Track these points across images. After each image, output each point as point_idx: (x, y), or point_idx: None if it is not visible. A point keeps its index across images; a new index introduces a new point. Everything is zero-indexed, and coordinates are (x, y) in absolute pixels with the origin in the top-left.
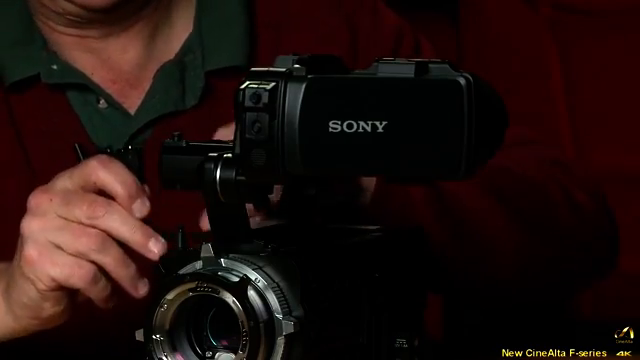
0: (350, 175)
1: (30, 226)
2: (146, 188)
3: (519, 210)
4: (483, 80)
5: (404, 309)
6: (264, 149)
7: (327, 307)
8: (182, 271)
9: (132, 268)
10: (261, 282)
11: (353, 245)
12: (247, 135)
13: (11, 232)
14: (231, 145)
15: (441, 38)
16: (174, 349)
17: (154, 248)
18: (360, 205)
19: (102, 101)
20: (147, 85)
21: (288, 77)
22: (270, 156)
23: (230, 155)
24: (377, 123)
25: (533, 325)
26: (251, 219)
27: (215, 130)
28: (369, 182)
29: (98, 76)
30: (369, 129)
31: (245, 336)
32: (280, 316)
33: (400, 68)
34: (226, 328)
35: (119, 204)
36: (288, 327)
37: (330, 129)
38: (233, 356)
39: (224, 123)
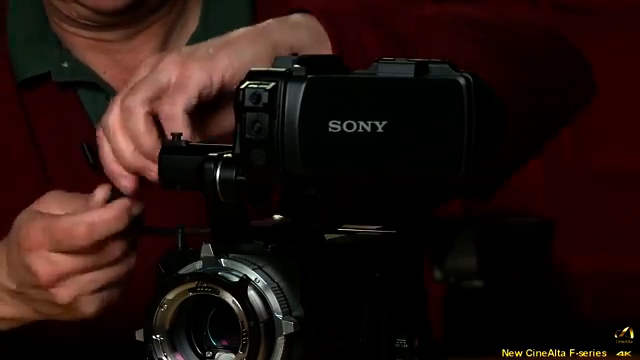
0: (350, 175)
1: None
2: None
3: (496, 40)
4: (482, 80)
5: (404, 309)
6: (264, 149)
7: (327, 307)
8: (182, 271)
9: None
10: (261, 282)
11: (353, 245)
12: (247, 135)
13: None
14: (229, 146)
15: None
16: (174, 349)
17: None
18: None
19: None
20: None
21: (288, 77)
22: (270, 156)
23: (230, 155)
24: (377, 123)
25: (533, 325)
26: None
27: None
28: None
29: (109, 75)
30: (369, 129)
31: (245, 336)
32: (280, 316)
33: (400, 68)
34: (226, 328)
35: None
36: (288, 327)
37: (330, 129)
38: (233, 356)
39: None
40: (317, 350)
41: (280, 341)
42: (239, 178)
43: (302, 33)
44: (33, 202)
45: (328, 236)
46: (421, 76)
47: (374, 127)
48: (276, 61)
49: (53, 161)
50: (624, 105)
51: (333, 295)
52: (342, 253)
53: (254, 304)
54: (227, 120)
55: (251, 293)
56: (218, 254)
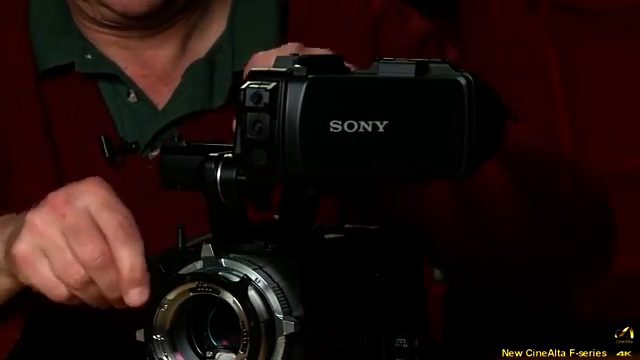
0: (351, 175)
1: (34, 221)
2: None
3: (527, 186)
4: (482, 79)
5: (404, 309)
6: (265, 149)
7: (327, 307)
8: (182, 271)
9: (116, 295)
10: (261, 282)
11: (353, 245)
12: (248, 135)
13: None
14: (229, 145)
15: None
16: (174, 349)
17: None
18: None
19: (132, 95)
20: (177, 82)
21: (289, 77)
22: (271, 156)
23: (230, 155)
24: (378, 123)
25: (533, 325)
26: None
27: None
28: None
29: (131, 70)
30: (370, 129)
31: (246, 336)
32: (280, 316)
33: (401, 68)
34: (226, 328)
35: (121, 280)
36: (289, 327)
37: (331, 129)
38: (234, 356)
39: None
40: (317, 350)
41: (281, 341)
42: (240, 178)
43: None
44: (44, 195)
45: (328, 236)
46: (422, 76)
47: (375, 127)
48: (277, 61)
49: (69, 153)
50: (624, 105)
51: (333, 295)
52: (342, 253)
53: (255, 304)
54: None
55: (251, 293)
56: (218, 254)
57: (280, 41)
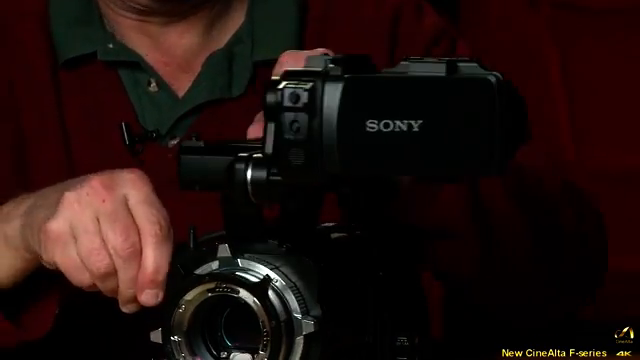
0: (387, 174)
1: (73, 200)
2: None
3: (533, 213)
4: (506, 78)
5: (405, 308)
6: (303, 149)
7: (341, 306)
8: (198, 271)
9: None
10: (279, 282)
11: (358, 244)
12: (286, 135)
13: None
14: (248, 145)
15: None
16: (192, 350)
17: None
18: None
19: (153, 84)
20: (197, 71)
21: (325, 77)
22: (309, 156)
23: (260, 155)
24: (413, 122)
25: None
26: None
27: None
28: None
29: (152, 57)
30: (405, 128)
31: (266, 336)
32: (299, 316)
33: (431, 67)
34: (242, 328)
35: (141, 278)
36: (308, 327)
37: (367, 128)
38: (248, 356)
39: None
40: (332, 349)
41: (299, 340)
42: (272, 178)
43: None
44: (52, 183)
45: (333, 235)
46: (452, 75)
47: (410, 126)
48: (309, 60)
49: (84, 142)
50: (624, 105)
51: (344, 294)
52: (349, 252)
53: (275, 304)
54: None
55: (270, 293)
56: (234, 254)
57: (299, 38)
